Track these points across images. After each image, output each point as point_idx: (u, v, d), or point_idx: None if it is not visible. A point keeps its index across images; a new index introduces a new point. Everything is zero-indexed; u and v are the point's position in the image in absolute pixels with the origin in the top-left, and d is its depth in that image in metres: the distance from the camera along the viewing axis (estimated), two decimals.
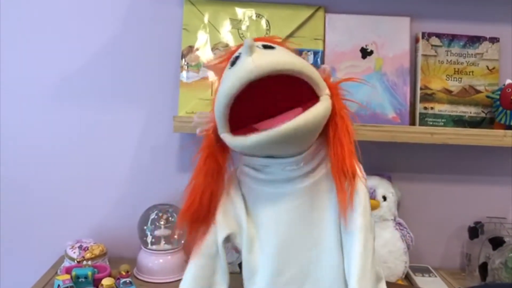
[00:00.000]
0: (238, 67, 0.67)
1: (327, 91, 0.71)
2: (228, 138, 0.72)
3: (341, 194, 0.70)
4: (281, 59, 0.67)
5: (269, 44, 0.72)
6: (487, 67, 1.13)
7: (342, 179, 0.70)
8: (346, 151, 0.70)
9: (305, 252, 0.73)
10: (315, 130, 0.70)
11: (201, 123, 0.78)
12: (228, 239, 0.75)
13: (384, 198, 1.06)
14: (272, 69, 0.65)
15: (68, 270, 0.97)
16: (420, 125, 1.10)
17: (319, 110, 0.69)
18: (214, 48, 1.09)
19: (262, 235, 0.75)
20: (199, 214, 0.75)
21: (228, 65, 0.72)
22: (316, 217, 0.73)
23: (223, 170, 0.77)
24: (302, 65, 0.68)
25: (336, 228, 0.72)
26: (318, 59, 1.10)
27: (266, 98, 0.69)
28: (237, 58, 0.70)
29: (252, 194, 0.77)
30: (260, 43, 0.71)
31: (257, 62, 0.65)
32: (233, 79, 0.66)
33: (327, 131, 0.72)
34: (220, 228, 0.75)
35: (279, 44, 0.75)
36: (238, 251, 0.79)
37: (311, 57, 1.10)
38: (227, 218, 0.76)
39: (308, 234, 0.73)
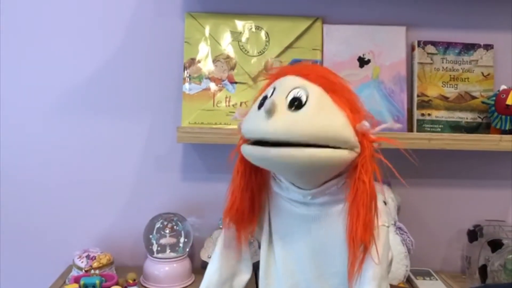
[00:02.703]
0: (256, 120, 0.66)
1: (357, 149, 0.67)
2: (242, 146, 0.72)
3: (351, 264, 0.68)
4: (299, 128, 0.63)
5: (300, 98, 0.66)
6: (482, 73, 1.15)
7: (353, 251, 0.67)
8: (360, 224, 0.66)
9: (312, 274, 0.75)
10: (313, 171, 0.69)
11: (241, 120, 0.76)
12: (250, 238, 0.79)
13: (385, 203, 1.08)
14: (287, 139, 0.63)
15: (76, 280, 0.99)
16: (418, 131, 1.12)
17: (323, 155, 0.65)
18: (215, 60, 1.12)
19: (275, 241, 0.77)
20: (242, 214, 0.75)
21: (258, 101, 0.70)
22: (329, 244, 0.73)
23: (261, 169, 0.76)
24: (321, 134, 0.64)
25: (344, 263, 0.71)
26: None
27: None
28: (265, 99, 0.68)
29: (274, 199, 0.78)
30: (292, 95, 0.66)
31: (272, 127, 0.64)
32: (250, 128, 0.68)
33: (349, 191, 0.68)
34: None
35: (327, 82, 0.69)
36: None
37: None
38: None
39: (314, 258, 0.74)
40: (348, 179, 0.69)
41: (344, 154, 0.66)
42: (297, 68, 0.73)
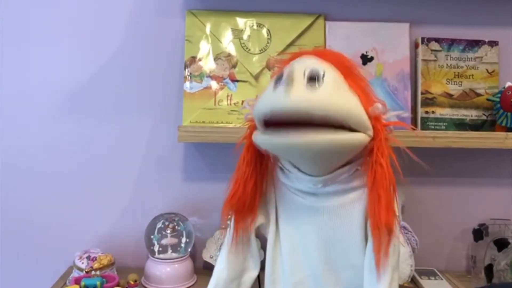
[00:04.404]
0: (274, 96, 0.65)
1: (369, 132, 0.68)
2: (254, 134, 0.71)
3: (377, 249, 0.68)
4: (318, 101, 0.63)
5: (318, 73, 0.66)
6: (487, 70, 1.14)
7: (378, 235, 0.67)
8: (383, 207, 0.66)
9: (321, 267, 0.74)
10: (331, 156, 0.69)
11: (249, 110, 0.77)
12: (259, 229, 0.78)
13: None
14: (305, 112, 0.62)
15: (77, 281, 0.98)
16: (422, 129, 1.11)
17: (343, 139, 0.65)
18: (216, 58, 1.11)
19: (282, 235, 0.77)
20: (244, 203, 0.75)
21: (273, 81, 0.69)
22: (341, 236, 0.72)
23: (266, 159, 0.77)
24: (339, 110, 0.64)
25: (358, 254, 0.71)
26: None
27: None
28: (280, 78, 0.67)
29: (281, 191, 0.78)
30: (309, 70, 0.66)
31: (293, 98, 0.63)
32: (268, 104, 0.66)
33: (367, 176, 0.69)
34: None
35: (341, 66, 0.70)
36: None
37: None
38: (262, 208, 0.78)
39: (325, 251, 0.74)
40: (362, 166, 0.70)
41: (362, 138, 0.66)
42: (313, 51, 0.73)
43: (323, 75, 0.65)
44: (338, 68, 0.69)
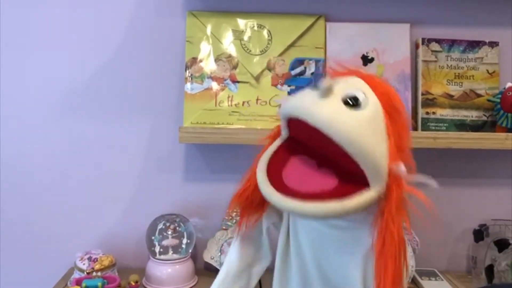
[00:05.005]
0: (306, 99, 0.61)
1: (380, 187, 0.60)
2: (259, 176, 0.64)
3: None
4: (343, 126, 0.57)
5: (358, 97, 0.61)
6: (487, 71, 1.14)
7: None
8: (389, 279, 0.60)
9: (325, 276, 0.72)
10: (315, 219, 0.66)
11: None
12: (270, 228, 0.77)
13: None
14: (326, 130, 0.57)
15: (78, 282, 0.98)
16: (422, 130, 1.11)
17: (348, 205, 0.58)
18: (217, 59, 1.11)
19: (292, 239, 0.75)
20: (252, 202, 0.72)
21: (313, 83, 0.64)
22: (338, 255, 0.70)
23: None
24: (359, 149, 0.57)
25: (359, 275, 0.68)
26: (320, 68, 1.11)
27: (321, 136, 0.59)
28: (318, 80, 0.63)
29: None
30: (351, 90, 0.62)
31: (321, 110, 0.58)
32: (296, 104, 0.62)
33: (375, 239, 0.62)
34: (266, 215, 0.76)
35: (388, 103, 0.64)
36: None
37: (312, 65, 1.11)
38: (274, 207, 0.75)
39: (329, 266, 0.71)
40: (373, 222, 0.63)
41: (372, 197, 0.60)
42: (364, 74, 0.68)
43: (364, 102, 0.61)
44: (384, 103, 0.63)
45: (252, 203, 0.73)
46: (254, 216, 0.76)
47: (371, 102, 0.61)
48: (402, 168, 0.61)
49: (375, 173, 0.59)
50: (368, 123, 0.59)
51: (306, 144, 0.64)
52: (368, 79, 0.65)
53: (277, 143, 0.68)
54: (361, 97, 0.61)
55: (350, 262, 0.69)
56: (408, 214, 0.62)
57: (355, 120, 0.59)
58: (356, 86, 0.63)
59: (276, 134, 0.71)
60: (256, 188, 0.69)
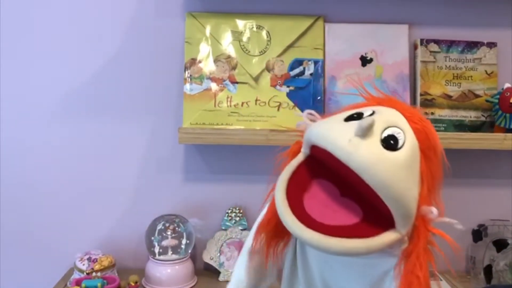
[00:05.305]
0: (342, 134, 0.57)
1: (408, 229, 0.58)
2: (280, 206, 0.60)
3: None
4: (382, 172, 0.55)
5: (398, 139, 0.58)
6: (486, 71, 1.14)
7: None
8: None
9: None
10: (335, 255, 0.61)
11: (305, 118, 0.68)
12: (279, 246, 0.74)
13: None
14: (362, 175, 0.55)
15: (78, 282, 0.98)
16: None
17: (371, 245, 0.56)
18: (216, 60, 1.11)
19: (299, 257, 0.73)
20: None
21: (344, 113, 0.63)
22: (346, 277, 0.68)
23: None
24: (392, 194, 0.55)
25: None
26: (319, 68, 1.11)
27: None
28: (353, 117, 0.60)
29: None
30: (391, 130, 0.58)
31: (358, 153, 0.55)
32: (331, 140, 0.58)
33: (399, 283, 0.60)
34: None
35: (425, 141, 0.61)
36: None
37: (311, 66, 1.11)
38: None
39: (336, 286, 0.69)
40: (398, 262, 0.61)
41: (397, 238, 0.58)
42: (401, 104, 0.65)
43: (403, 144, 0.58)
44: (421, 142, 0.61)
45: (279, 231, 0.69)
46: (282, 242, 0.71)
47: (409, 143, 0.59)
48: (433, 211, 0.59)
49: (403, 217, 0.57)
50: (405, 168, 0.57)
51: (328, 167, 0.61)
52: (405, 112, 0.62)
53: (296, 161, 0.65)
54: (400, 137, 0.58)
55: (358, 285, 0.67)
56: (433, 256, 0.61)
57: (393, 166, 0.56)
58: (395, 123, 0.60)
59: (296, 151, 0.67)
60: None
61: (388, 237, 0.57)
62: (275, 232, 0.69)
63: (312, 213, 0.58)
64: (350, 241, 0.55)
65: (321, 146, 0.59)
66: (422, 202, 0.59)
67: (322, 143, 0.59)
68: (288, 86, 1.11)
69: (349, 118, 0.61)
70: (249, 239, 0.76)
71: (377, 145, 0.57)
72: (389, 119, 0.60)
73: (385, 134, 0.58)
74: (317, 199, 0.60)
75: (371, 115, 0.61)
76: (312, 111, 0.68)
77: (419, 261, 0.58)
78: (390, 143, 0.57)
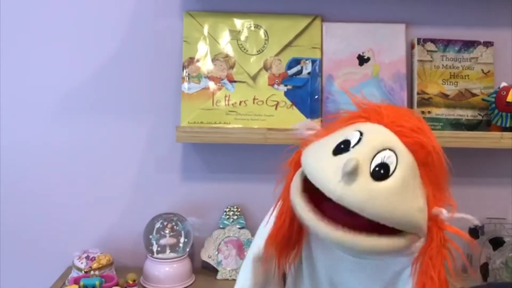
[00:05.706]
0: (330, 177, 0.57)
1: (421, 232, 0.59)
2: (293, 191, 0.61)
3: None
4: (375, 206, 0.55)
5: (388, 166, 0.57)
6: (482, 70, 1.15)
7: None
8: None
9: None
10: (365, 256, 0.63)
11: (304, 132, 0.69)
12: None
13: None
14: (355, 211, 0.55)
15: (76, 281, 0.98)
16: None
17: (378, 245, 0.57)
18: (214, 59, 1.11)
19: (305, 261, 0.73)
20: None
21: (332, 143, 0.61)
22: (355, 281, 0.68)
23: None
24: (394, 218, 0.56)
25: None
26: (316, 67, 1.12)
27: None
28: (342, 149, 0.59)
29: None
30: (380, 158, 0.58)
31: (351, 195, 0.55)
32: (320, 179, 0.58)
33: (414, 283, 0.61)
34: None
35: (420, 149, 0.61)
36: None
37: (309, 65, 1.12)
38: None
39: None
40: (414, 262, 0.61)
41: (408, 242, 0.58)
42: (391, 114, 0.63)
43: (395, 167, 0.57)
44: (417, 155, 0.60)
45: (289, 241, 0.68)
46: (293, 252, 0.71)
47: (403, 163, 0.58)
48: (443, 213, 0.59)
49: (414, 228, 0.58)
50: (401, 191, 0.57)
51: None
52: (394, 127, 0.61)
53: (299, 177, 0.63)
54: (391, 161, 0.58)
55: None
56: (448, 254, 0.61)
57: (387, 197, 0.56)
58: (385, 144, 0.59)
59: (298, 162, 0.65)
60: (291, 223, 0.65)
61: (409, 235, 0.57)
62: (287, 243, 0.68)
63: (332, 217, 0.58)
64: (380, 239, 0.56)
65: (314, 183, 0.59)
66: (431, 207, 0.59)
67: (314, 182, 0.58)
68: (285, 85, 1.11)
69: (337, 149, 0.60)
70: (254, 245, 0.75)
71: (367, 182, 0.56)
72: (378, 143, 0.59)
73: (374, 164, 0.57)
74: (329, 205, 0.59)
75: (358, 141, 0.60)
76: (309, 125, 0.68)
77: (432, 261, 0.58)
78: (381, 173, 0.57)
